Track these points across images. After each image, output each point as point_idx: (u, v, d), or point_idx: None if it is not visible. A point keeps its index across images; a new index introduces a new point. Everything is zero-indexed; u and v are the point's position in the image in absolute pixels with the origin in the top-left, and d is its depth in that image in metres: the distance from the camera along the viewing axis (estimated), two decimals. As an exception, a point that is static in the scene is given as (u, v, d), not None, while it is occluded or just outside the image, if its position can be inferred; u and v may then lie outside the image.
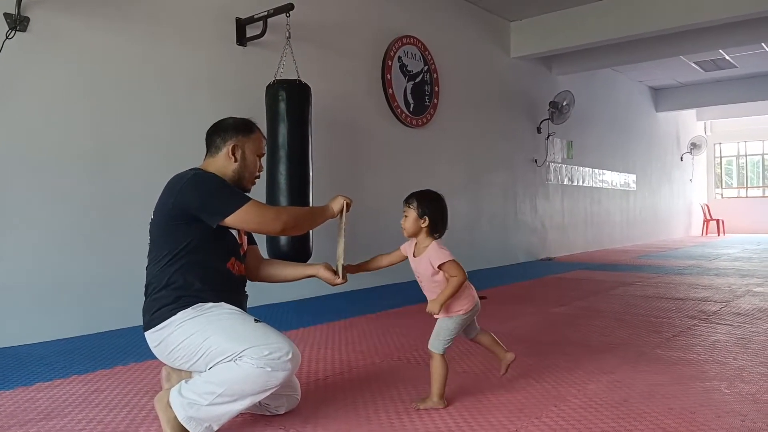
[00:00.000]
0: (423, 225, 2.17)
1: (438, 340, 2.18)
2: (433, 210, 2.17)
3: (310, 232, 4.10)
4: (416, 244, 2.22)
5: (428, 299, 2.21)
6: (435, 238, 2.19)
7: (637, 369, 2.64)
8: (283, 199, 4.00)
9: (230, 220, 1.92)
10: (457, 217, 6.76)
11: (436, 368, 2.17)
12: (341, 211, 2.14)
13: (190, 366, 1.90)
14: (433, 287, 2.19)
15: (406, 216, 2.19)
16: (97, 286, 3.60)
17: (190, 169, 2.04)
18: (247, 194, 2.01)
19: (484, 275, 6.45)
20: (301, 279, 2.26)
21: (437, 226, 2.18)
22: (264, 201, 4.04)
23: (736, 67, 10.16)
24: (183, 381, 1.86)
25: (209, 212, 1.92)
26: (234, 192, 1.98)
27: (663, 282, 5.68)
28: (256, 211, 1.95)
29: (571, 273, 6.62)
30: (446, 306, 2.15)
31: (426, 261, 2.16)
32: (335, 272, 2.16)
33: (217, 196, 1.94)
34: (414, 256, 2.22)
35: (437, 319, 2.21)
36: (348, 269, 2.18)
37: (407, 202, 2.20)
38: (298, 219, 2.09)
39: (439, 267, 2.13)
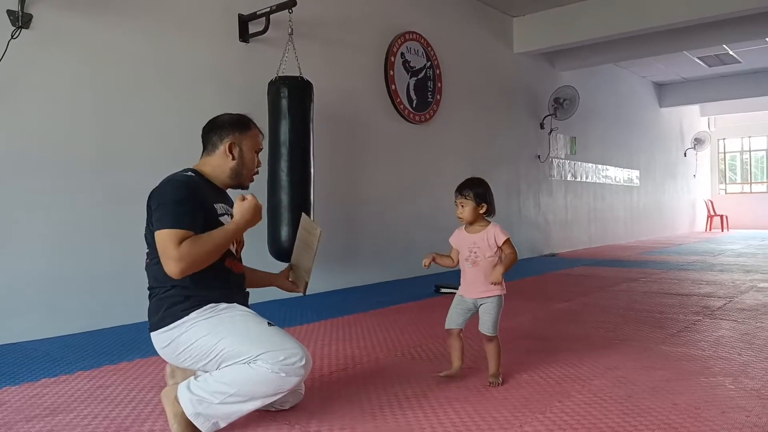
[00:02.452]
0: (481, 211, 2.38)
1: (494, 323, 2.37)
2: (487, 195, 2.39)
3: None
4: (467, 227, 2.42)
5: (465, 281, 2.41)
6: (488, 221, 2.41)
7: (641, 365, 2.64)
8: (284, 196, 4.00)
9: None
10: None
11: (497, 349, 2.39)
12: (314, 229, 2.15)
13: (200, 366, 1.89)
14: (483, 266, 2.35)
15: (462, 206, 2.38)
16: (101, 282, 3.61)
17: (177, 172, 2.02)
18: (181, 224, 1.82)
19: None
20: (263, 287, 2.32)
21: (492, 209, 2.42)
22: (265, 198, 4.04)
23: (740, 62, 10.12)
24: (192, 378, 1.86)
25: (153, 221, 1.88)
26: (172, 212, 1.84)
27: (667, 278, 5.67)
28: (164, 241, 1.81)
29: (574, 269, 6.62)
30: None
31: (487, 237, 2.35)
32: (294, 283, 2.25)
33: (163, 208, 1.86)
34: (468, 233, 2.41)
35: (481, 306, 2.38)
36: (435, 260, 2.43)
37: (462, 193, 2.38)
38: (200, 259, 1.84)
39: (503, 243, 2.35)
